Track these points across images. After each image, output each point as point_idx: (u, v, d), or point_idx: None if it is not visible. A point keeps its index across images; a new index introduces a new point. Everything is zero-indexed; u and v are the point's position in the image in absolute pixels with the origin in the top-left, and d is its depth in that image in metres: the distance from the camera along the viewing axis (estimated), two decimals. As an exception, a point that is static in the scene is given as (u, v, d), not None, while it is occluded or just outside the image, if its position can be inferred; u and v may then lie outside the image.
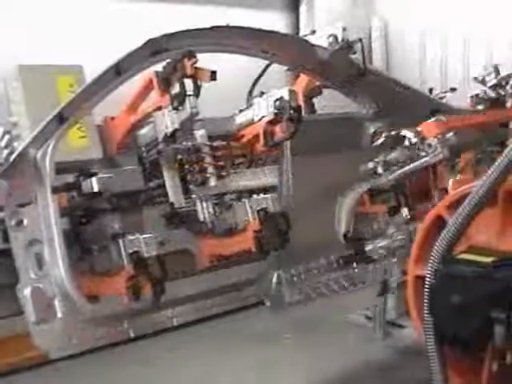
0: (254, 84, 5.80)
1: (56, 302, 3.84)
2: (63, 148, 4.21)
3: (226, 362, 6.08)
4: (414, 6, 9.02)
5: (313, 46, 4.70)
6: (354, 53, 4.83)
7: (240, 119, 5.26)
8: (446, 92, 6.37)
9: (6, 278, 4.17)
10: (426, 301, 3.73)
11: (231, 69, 5.81)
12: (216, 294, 4.62)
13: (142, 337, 6.08)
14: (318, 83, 5.69)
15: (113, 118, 5.02)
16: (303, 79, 5.77)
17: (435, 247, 3.70)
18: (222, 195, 4.98)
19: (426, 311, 3.73)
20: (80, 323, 3.94)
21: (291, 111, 4.56)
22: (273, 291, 4.82)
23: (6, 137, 4.64)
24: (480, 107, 5.64)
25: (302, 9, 9.35)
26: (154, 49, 4.06)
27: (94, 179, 4.20)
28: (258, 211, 4.57)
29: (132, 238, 4.14)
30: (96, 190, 4.18)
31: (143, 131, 4.76)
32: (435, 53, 8.97)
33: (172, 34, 4.07)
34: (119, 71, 3.97)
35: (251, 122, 5.13)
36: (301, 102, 5.38)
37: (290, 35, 4.73)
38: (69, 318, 3.88)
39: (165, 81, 4.37)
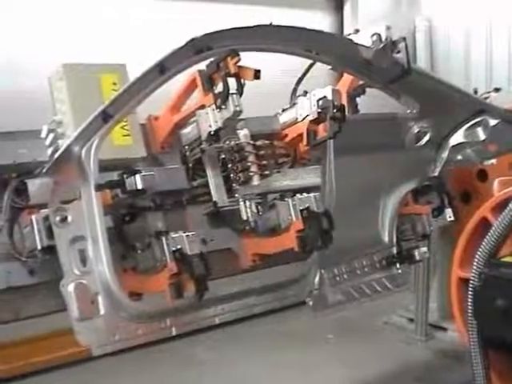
0: (298, 83, 5.77)
1: (99, 299, 3.86)
2: (107, 146, 4.23)
3: (267, 362, 6.13)
4: (458, 6, 8.94)
5: (356, 44, 4.67)
6: (398, 52, 4.79)
7: (283, 118, 5.27)
8: (489, 92, 6.28)
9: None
10: (469, 303, 3.70)
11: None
12: (259, 292, 4.60)
13: (179, 336, 6.24)
14: (361, 82, 5.65)
15: (156, 118, 5.04)
16: (347, 79, 5.73)
17: (480, 249, 3.68)
18: (265, 195, 4.97)
19: (469, 314, 3.70)
20: (123, 320, 3.95)
21: (334, 110, 4.54)
22: (315, 291, 4.81)
23: (51, 135, 4.70)
24: (525, 106, 5.54)
25: (347, 8, 9.33)
26: (196, 47, 4.03)
27: (137, 177, 4.20)
28: (301, 210, 4.55)
29: (175, 235, 4.16)
30: (140, 187, 4.20)
31: (186, 130, 4.76)
32: (480, 52, 8.88)
33: (215, 33, 4.06)
34: (163, 70, 3.98)
35: (294, 122, 5.15)
36: (344, 102, 5.38)
37: (333, 34, 4.67)
38: (112, 315, 3.89)
39: (208, 80, 4.37)
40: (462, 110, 5.13)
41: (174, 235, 4.16)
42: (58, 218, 3.82)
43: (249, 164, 4.79)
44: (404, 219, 5.42)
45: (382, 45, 4.64)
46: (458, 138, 5.31)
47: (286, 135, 5.18)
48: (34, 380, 5.89)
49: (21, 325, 4.75)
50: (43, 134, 4.69)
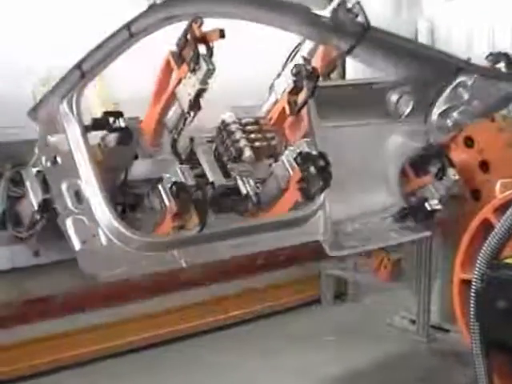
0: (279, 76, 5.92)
1: (100, 231, 3.94)
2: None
3: (267, 364, 6.15)
4: (460, 6, 9.05)
5: (314, 12, 4.89)
6: (357, 16, 4.96)
7: (265, 107, 5.36)
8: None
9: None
10: (471, 305, 3.75)
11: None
12: (267, 228, 4.64)
13: (183, 338, 6.30)
14: (333, 55, 5.75)
15: (141, 121, 5.17)
16: (318, 57, 5.87)
17: (482, 251, 3.77)
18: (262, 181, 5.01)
19: (471, 315, 3.74)
20: (126, 250, 3.99)
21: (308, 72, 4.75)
22: (330, 236, 4.81)
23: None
24: (500, 65, 5.63)
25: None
26: (161, 15, 4.27)
27: (121, 119, 4.35)
28: (295, 158, 4.60)
29: (168, 175, 4.25)
30: (123, 125, 4.33)
31: (170, 114, 4.85)
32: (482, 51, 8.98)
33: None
34: (132, 34, 4.21)
35: (275, 103, 5.26)
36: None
37: (291, 2, 4.90)
38: (114, 244, 3.95)
39: (180, 56, 4.53)
40: (441, 69, 5.27)
41: (168, 175, 4.25)
42: (48, 163, 3.96)
43: (237, 137, 4.89)
44: (412, 198, 5.48)
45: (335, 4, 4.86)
46: (442, 105, 5.43)
47: (271, 119, 5.29)
48: (35, 381, 5.84)
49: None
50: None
